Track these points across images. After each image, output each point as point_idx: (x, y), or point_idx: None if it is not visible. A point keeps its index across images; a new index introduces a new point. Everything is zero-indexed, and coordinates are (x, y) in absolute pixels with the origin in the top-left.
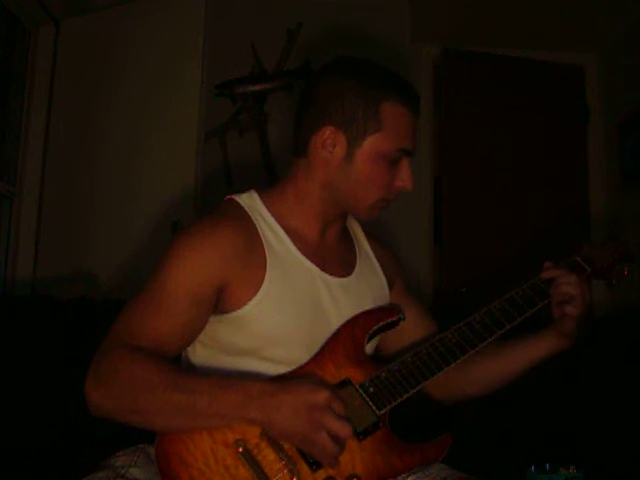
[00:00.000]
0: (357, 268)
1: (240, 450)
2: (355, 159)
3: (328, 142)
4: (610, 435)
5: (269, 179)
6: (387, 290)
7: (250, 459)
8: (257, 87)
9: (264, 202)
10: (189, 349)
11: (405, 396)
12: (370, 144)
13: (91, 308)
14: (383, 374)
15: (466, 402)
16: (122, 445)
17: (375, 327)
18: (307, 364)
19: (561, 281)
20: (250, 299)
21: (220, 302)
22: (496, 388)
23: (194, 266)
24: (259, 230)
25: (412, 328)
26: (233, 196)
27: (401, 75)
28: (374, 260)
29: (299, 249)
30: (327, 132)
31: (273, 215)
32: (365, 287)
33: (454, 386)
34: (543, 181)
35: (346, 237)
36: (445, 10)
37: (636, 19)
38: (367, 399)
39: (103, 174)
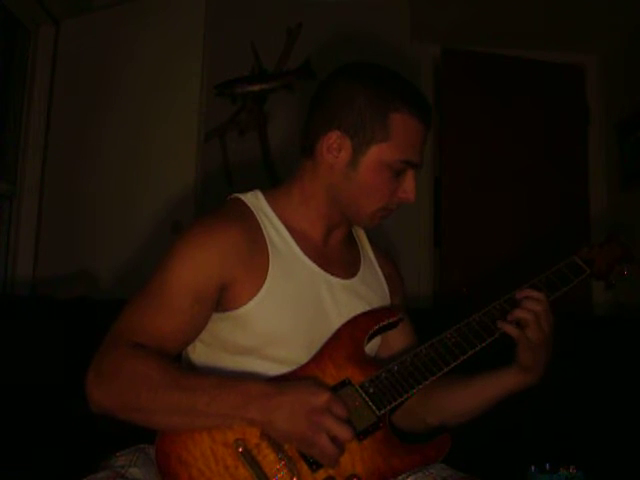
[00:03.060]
0: (360, 272)
1: (240, 450)
2: (359, 166)
3: (334, 146)
4: (610, 435)
5: (269, 179)
6: (388, 297)
7: (250, 459)
8: (257, 87)
9: (269, 202)
10: (189, 347)
11: (405, 396)
12: (375, 153)
13: (91, 308)
14: (383, 374)
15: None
16: (122, 445)
17: (375, 327)
18: (307, 364)
19: (524, 304)
20: (252, 298)
21: (222, 300)
22: (457, 421)
23: (197, 264)
24: (263, 229)
25: (397, 340)
26: (238, 195)
27: (413, 84)
28: (377, 268)
29: (302, 250)
30: (334, 136)
31: (277, 215)
32: (367, 291)
33: (416, 414)
34: (543, 181)
35: (351, 242)
36: (445, 10)
37: (636, 20)
38: (367, 399)
39: (103, 174)
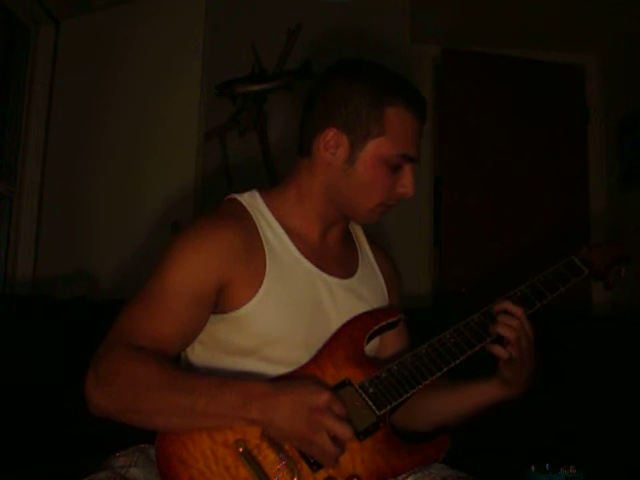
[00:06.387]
0: (359, 271)
1: (240, 450)
2: (357, 162)
3: (331, 143)
4: (610, 435)
5: (269, 179)
6: (386, 296)
7: (250, 459)
8: (257, 87)
9: (265, 202)
10: (188, 349)
11: (405, 396)
12: (372, 148)
13: (91, 308)
14: (383, 374)
15: None
16: (122, 445)
17: (375, 328)
18: (307, 365)
19: (501, 320)
20: (250, 299)
21: (220, 301)
22: (442, 425)
23: (194, 265)
24: (260, 230)
25: (392, 341)
26: (235, 195)
27: (407, 79)
28: (375, 265)
29: (299, 249)
30: (330, 133)
31: (274, 215)
32: (366, 290)
33: (405, 419)
34: (543, 181)
35: (348, 240)
36: (445, 10)
37: (636, 20)
38: (367, 399)
39: (103, 174)
